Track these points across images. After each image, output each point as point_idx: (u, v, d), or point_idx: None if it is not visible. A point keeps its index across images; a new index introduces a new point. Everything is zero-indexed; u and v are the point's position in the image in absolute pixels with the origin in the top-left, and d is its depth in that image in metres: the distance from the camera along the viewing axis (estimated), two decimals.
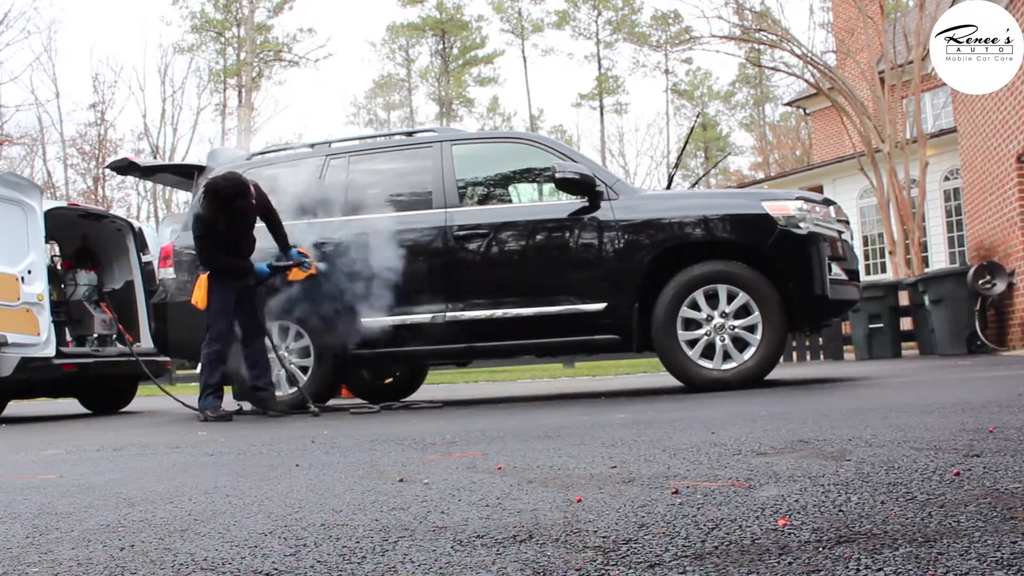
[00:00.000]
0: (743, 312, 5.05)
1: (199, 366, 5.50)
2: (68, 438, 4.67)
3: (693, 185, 33.63)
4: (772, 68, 18.46)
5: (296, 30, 37.60)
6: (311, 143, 6.48)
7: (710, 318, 5.08)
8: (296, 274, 5.50)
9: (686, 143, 11.15)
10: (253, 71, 32.97)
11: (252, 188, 5.19)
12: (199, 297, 5.34)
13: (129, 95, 53.37)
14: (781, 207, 5.12)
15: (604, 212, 5.27)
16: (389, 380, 7.18)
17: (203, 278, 5.34)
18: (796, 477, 1.84)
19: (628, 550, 1.33)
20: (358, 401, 6.45)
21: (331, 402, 6.12)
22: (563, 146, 5.80)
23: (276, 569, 1.35)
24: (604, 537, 1.42)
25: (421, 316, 5.46)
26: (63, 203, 9.20)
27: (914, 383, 5.06)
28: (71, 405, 9.81)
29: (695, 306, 5.10)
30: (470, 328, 5.41)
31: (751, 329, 5.03)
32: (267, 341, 5.56)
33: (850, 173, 15.10)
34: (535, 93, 66.97)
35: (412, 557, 1.37)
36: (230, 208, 5.16)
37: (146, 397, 11.32)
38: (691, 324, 5.12)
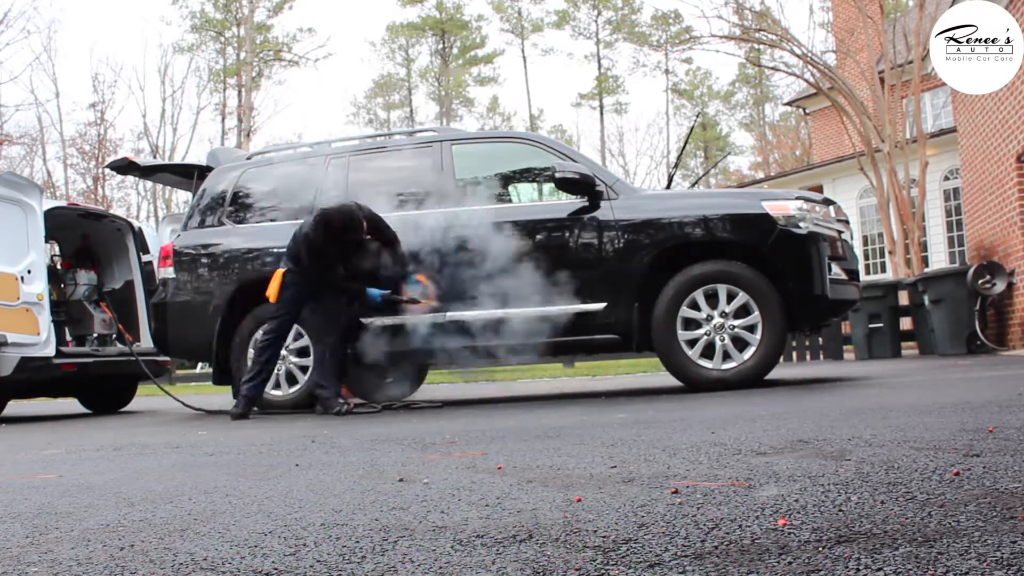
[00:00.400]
0: (743, 312, 5.05)
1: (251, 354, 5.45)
2: (68, 438, 4.67)
3: (693, 185, 33.65)
4: (772, 68, 18.46)
5: (296, 30, 37.61)
6: (311, 143, 6.48)
7: (710, 318, 5.08)
8: (414, 304, 5.43)
9: (686, 143, 11.18)
10: (253, 71, 32.98)
11: (364, 223, 5.18)
12: (272, 290, 5.38)
13: (129, 95, 53.45)
14: (781, 207, 5.11)
15: (604, 212, 5.27)
16: (389, 380, 7.18)
17: (279, 272, 5.38)
18: (796, 477, 1.84)
19: (628, 550, 1.33)
20: (359, 400, 6.45)
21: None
22: (563, 146, 5.80)
23: (276, 569, 1.35)
24: (604, 537, 1.42)
25: (421, 316, 5.46)
26: (63, 203, 9.21)
27: (914, 383, 5.06)
28: (71, 405, 9.81)
29: (695, 306, 5.10)
30: (470, 328, 5.40)
31: (751, 329, 5.03)
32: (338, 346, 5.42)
33: (850, 173, 15.10)
34: (535, 93, 67.01)
35: (412, 557, 1.37)
36: (340, 241, 5.18)
37: (146, 397, 11.31)
38: (691, 324, 5.12)
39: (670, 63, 39.39)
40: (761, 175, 31.53)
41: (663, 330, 5.11)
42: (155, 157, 29.43)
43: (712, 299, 5.09)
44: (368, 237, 5.28)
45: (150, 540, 1.61)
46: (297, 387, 5.70)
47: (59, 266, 8.22)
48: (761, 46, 15.87)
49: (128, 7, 50.31)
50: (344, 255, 5.27)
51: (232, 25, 34.41)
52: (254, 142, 30.85)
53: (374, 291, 5.40)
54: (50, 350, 6.93)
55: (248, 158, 6.48)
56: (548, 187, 6.00)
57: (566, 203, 5.39)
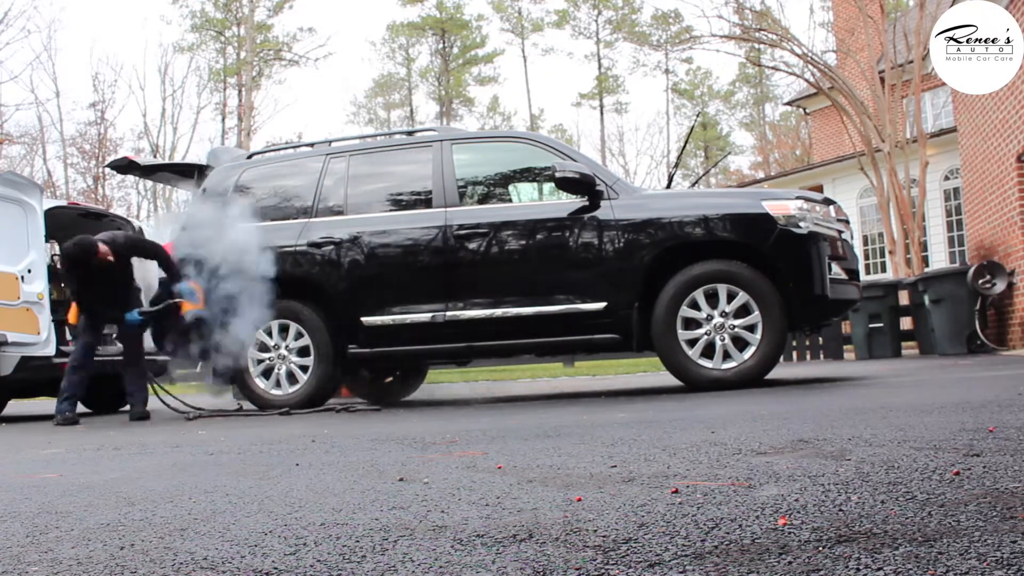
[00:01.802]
0: (743, 311, 5.05)
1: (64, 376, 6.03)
2: (68, 437, 4.67)
3: (693, 184, 33.64)
4: (772, 67, 18.43)
5: (296, 29, 37.68)
6: (311, 142, 6.48)
7: (710, 317, 5.08)
8: (186, 307, 5.76)
9: (686, 142, 11.19)
10: (253, 70, 32.96)
11: (102, 246, 5.73)
12: (72, 315, 6.11)
13: (129, 94, 53.49)
14: (781, 207, 5.11)
15: (604, 211, 5.27)
16: (389, 380, 7.18)
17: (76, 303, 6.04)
18: (796, 476, 1.84)
19: (628, 549, 1.33)
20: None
21: (332, 404, 6.12)
22: (563, 145, 5.80)
23: (276, 568, 1.35)
24: (604, 536, 1.42)
25: (420, 315, 5.46)
26: (63, 202, 9.22)
27: (914, 383, 5.06)
28: None
29: (695, 305, 5.10)
30: (470, 327, 5.41)
31: (751, 328, 5.03)
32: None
33: (850, 173, 15.10)
34: (535, 92, 66.88)
35: (412, 556, 1.37)
36: (83, 270, 5.79)
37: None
38: (691, 323, 5.12)
39: (670, 63, 39.42)
40: (761, 175, 31.53)
41: (663, 330, 5.11)
42: (155, 156, 29.43)
43: (712, 299, 5.09)
44: (130, 259, 6.06)
45: (150, 539, 1.61)
46: (297, 386, 5.70)
47: (59, 265, 8.21)
48: (761, 46, 15.87)
49: (128, 6, 50.34)
50: (95, 281, 5.89)
51: (232, 24, 34.39)
52: (254, 141, 30.85)
53: (131, 314, 5.91)
54: (50, 349, 6.93)
55: (248, 157, 6.49)
56: (548, 186, 6.00)
57: (566, 203, 5.39)
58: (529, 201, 6.13)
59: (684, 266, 5.13)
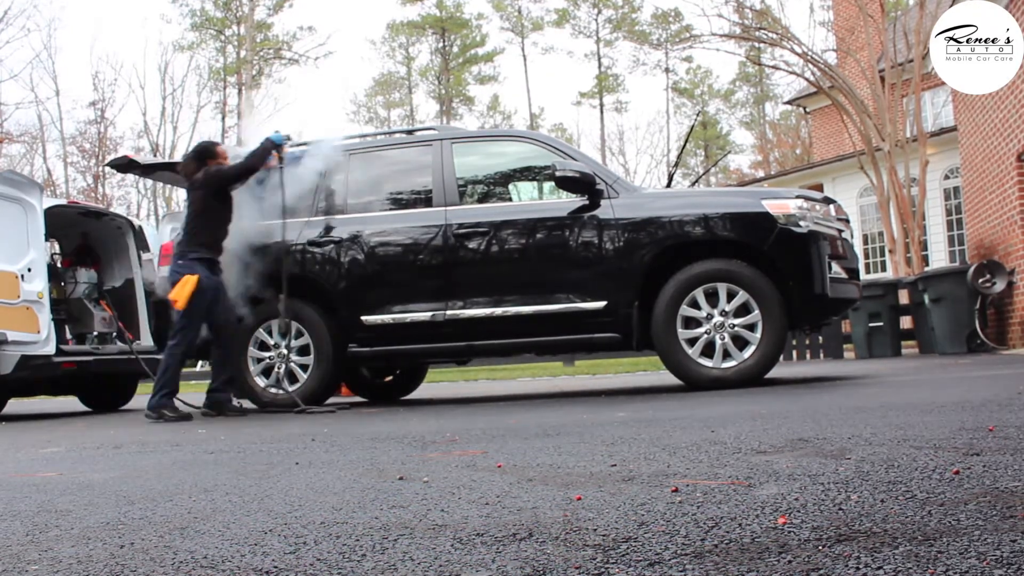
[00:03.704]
0: (743, 311, 5.05)
1: (164, 365, 5.47)
2: (68, 436, 4.67)
3: (693, 183, 33.63)
4: (772, 66, 18.44)
5: (296, 28, 37.57)
6: (310, 141, 6.46)
7: (710, 316, 5.08)
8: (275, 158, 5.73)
9: (686, 141, 11.20)
10: (253, 69, 32.98)
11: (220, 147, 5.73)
12: (181, 297, 5.20)
13: (129, 93, 53.51)
14: (781, 206, 5.11)
15: (604, 210, 5.27)
16: (389, 379, 7.19)
17: (192, 279, 5.23)
18: (796, 475, 1.84)
19: (628, 548, 1.33)
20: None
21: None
22: (563, 144, 5.80)
23: (276, 567, 1.35)
24: (604, 535, 1.42)
25: (421, 314, 5.46)
26: (63, 201, 9.21)
27: (914, 382, 5.06)
28: (71, 403, 9.80)
29: (695, 304, 5.10)
30: (470, 326, 5.41)
31: (751, 327, 5.03)
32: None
33: (850, 172, 15.10)
34: (535, 91, 66.83)
35: (412, 555, 1.37)
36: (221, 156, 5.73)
37: (146, 395, 11.29)
38: (691, 322, 5.12)
39: (670, 62, 39.43)
40: (761, 174, 31.50)
41: (663, 329, 5.11)
42: (155, 155, 29.44)
43: (712, 298, 5.09)
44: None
45: (150, 538, 1.61)
46: (297, 385, 5.70)
47: (59, 264, 8.22)
48: (761, 44, 15.88)
49: (128, 5, 50.35)
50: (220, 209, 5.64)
51: (232, 23, 34.41)
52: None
53: (276, 135, 5.70)
54: (50, 348, 6.92)
55: None
56: (548, 185, 6.00)
57: (566, 202, 5.39)
58: (529, 200, 6.13)
59: (684, 265, 5.13)
